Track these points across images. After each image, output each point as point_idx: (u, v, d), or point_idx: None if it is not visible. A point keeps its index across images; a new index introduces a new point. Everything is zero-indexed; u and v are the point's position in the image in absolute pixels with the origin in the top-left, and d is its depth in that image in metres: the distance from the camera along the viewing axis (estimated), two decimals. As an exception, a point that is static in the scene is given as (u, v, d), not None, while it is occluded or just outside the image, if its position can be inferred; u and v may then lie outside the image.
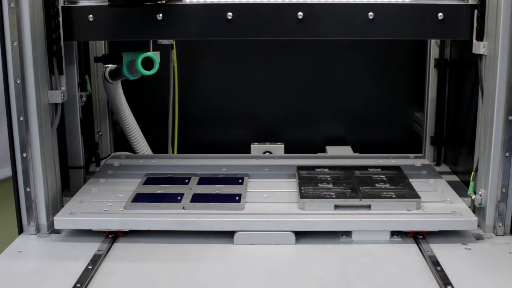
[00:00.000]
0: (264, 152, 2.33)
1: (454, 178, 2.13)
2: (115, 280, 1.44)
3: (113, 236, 1.64)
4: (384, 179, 1.83)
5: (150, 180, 1.89)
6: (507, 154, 1.62)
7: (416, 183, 1.81)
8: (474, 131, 1.78)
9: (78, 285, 1.40)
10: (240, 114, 2.47)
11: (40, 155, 1.67)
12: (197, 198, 1.73)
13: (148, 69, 1.89)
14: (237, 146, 2.37)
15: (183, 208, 1.67)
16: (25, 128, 1.64)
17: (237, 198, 1.73)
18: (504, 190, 1.64)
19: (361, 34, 1.74)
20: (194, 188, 1.82)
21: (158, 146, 2.40)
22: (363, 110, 2.46)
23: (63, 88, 1.75)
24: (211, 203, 1.69)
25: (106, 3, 1.71)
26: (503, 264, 1.49)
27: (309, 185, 1.78)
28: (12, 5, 1.57)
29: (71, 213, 1.66)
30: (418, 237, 1.61)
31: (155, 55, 1.90)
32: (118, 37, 1.81)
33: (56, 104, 1.75)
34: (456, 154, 2.18)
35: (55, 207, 1.76)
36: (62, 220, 1.64)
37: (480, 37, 1.66)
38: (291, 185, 1.86)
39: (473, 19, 1.69)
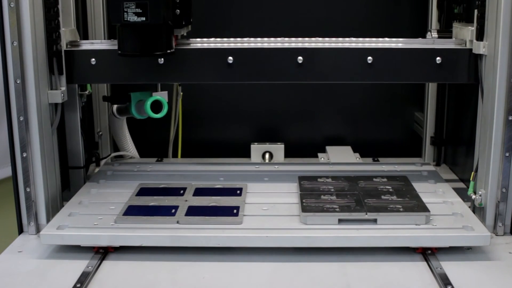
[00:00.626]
0: (264, 153, 2.33)
1: (454, 178, 2.13)
2: (115, 281, 1.44)
3: (104, 252, 1.56)
4: (391, 190, 1.75)
5: (144, 191, 1.81)
6: (507, 154, 1.62)
7: (424, 194, 1.74)
8: (474, 131, 1.77)
9: (78, 285, 1.40)
10: (240, 114, 2.47)
11: (40, 155, 1.67)
12: (193, 211, 1.65)
13: (157, 111, 1.89)
14: (237, 146, 2.38)
15: (178, 222, 1.59)
16: (25, 128, 1.64)
17: (234, 211, 1.64)
18: (504, 190, 1.64)
19: (360, 78, 1.78)
20: (190, 199, 1.74)
21: (159, 147, 2.40)
22: (363, 110, 2.46)
23: (63, 88, 1.75)
24: (207, 217, 1.61)
25: (108, 47, 1.75)
26: (503, 264, 1.49)
27: (311, 197, 1.70)
28: (12, 5, 1.57)
29: (58, 227, 1.57)
30: (426, 252, 1.54)
31: (163, 98, 1.90)
32: (120, 80, 1.84)
33: (56, 104, 1.75)
34: (456, 154, 2.18)
35: (55, 207, 1.76)
36: (48, 235, 1.55)
37: (480, 37, 1.66)
38: (292, 196, 1.78)
39: (471, 63, 1.72)
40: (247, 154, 2.34)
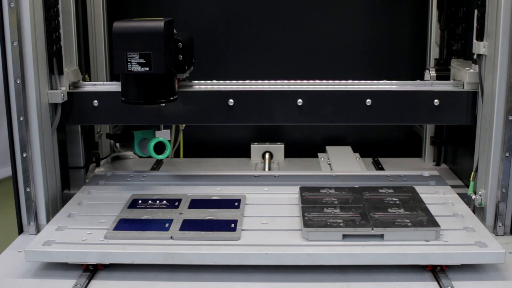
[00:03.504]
0: (264, 152, 2.33)
1: (454, 178, 2.13)
2: (115, 284, 1.44)
3: (93, 270, 1.46)
4: (398, 202, 1.66)
5: (136, 202, 1.72)
6: (507, 154, 1.62)
7: (433, 207, 1.64)
8: (474, 131, 1.78)
9: (77, 286, 1.40)
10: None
11: (40, 155, 1.67)
12: (188, 225, 1.56)
13: (160, 152, 1.90)
14: (237, 146, 2.38)
15: (171, 237, 1.49)
16: (25, 128, 1.64)
17: (232, 225, 1.56)
18: (504, 190, 1.64)
19: (359, 120, 1.79)
20: (185, 212, 1.65)
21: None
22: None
23: (63, 88, 1.75)
24: (202, 232, 1.52)
25: (111, 89, 1.77)
26: (503, 265, 1.49)
27: (314, 210, 1.60)
28: (12, 5, 1.57)
29: (45, 243, 1.48)
30: (436, 270, 1.46)
31: (166, 137, 1.91)
32: (123, 122, 1.86)
33: (56, 104, 1.75)
34: (456, 154, 2.18)
35: (55, 207, 1.76)
36: (34, 252, 1.45)
37: (480, 37, 1.66)
38: (293, 208, 1.69)
39: (469, 105, 1.74)
40: (247, 154, 2.35)
